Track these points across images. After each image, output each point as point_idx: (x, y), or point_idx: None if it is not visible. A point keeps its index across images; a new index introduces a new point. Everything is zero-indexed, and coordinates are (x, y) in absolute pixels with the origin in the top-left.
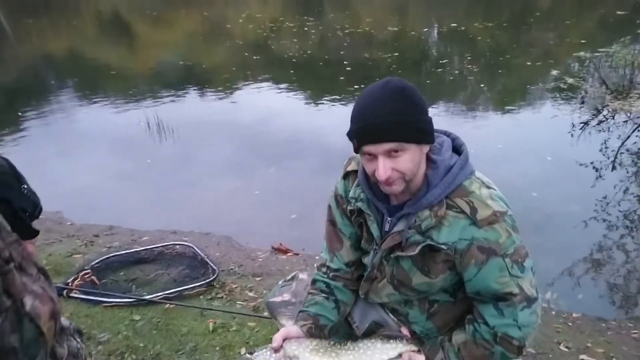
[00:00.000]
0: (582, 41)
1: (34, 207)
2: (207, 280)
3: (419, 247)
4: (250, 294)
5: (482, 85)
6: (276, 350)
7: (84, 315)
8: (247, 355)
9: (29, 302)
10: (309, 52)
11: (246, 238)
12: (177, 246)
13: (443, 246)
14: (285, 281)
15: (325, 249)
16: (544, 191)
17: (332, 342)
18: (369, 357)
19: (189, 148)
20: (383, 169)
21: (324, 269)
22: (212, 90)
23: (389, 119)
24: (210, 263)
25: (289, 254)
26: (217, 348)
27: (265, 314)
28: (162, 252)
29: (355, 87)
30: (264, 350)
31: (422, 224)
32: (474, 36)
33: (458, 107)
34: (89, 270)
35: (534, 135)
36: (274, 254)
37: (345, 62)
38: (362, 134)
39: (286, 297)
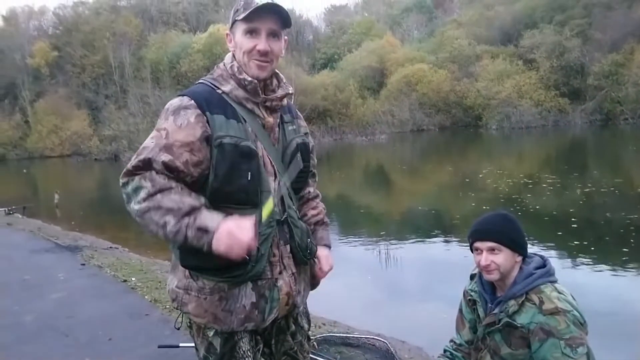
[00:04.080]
0: None
1: None
2: None
3: (502, 323)
4: None
5: None
6: None
7: None
8: None
9: (280, 282)
10: (537, 207)
11: (434, 352)
12: (376, 341)
13: (519, 325)
14: None
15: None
16: None
17: None
18: None
19: (404, 277)
20: (485, 259)
21: (451, 343)
22: (449, 237)
23: (492, 227)
24: (396, 356)
25: None
26: None
27: None
28: (364, 342)
29: (576, 242)
30: None
31: (509, 309)
32: None
33: None
34: (313, 339)
35: None
36: None
37: (573, 219)
38: (474, 234)
39: None
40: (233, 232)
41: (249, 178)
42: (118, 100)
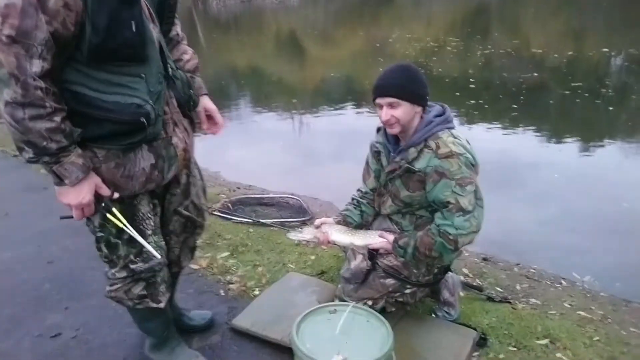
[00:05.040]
0: None
1: None
2: (303, 219)
3: (403, 169)
4: None
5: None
6: (317, 227)
7: (219, 224)
8: (298, 229)
9: (175, 139)
10: (440, 70)
11: (343, 205)
12: (290, 200)
13: (417, 170)
14: None
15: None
16: None
17: (350, 229)
18: (366, 234)
19: (317, 142)
20: (385, 114)
21: (357, 192)
22: (359, 102)
23: (392, 82)
24: (309, 210)
25: None
26: (297, 253)
27: None
28: (278, 201)
29: (472, 102)
30: (309, 227)
31: (409, 156)
32: None
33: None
34: (228, 201)
35: None
36: None
37: (471, 80)
38: (375, 90)
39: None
40: (72, 205)
41: (134, 29)
42: None
